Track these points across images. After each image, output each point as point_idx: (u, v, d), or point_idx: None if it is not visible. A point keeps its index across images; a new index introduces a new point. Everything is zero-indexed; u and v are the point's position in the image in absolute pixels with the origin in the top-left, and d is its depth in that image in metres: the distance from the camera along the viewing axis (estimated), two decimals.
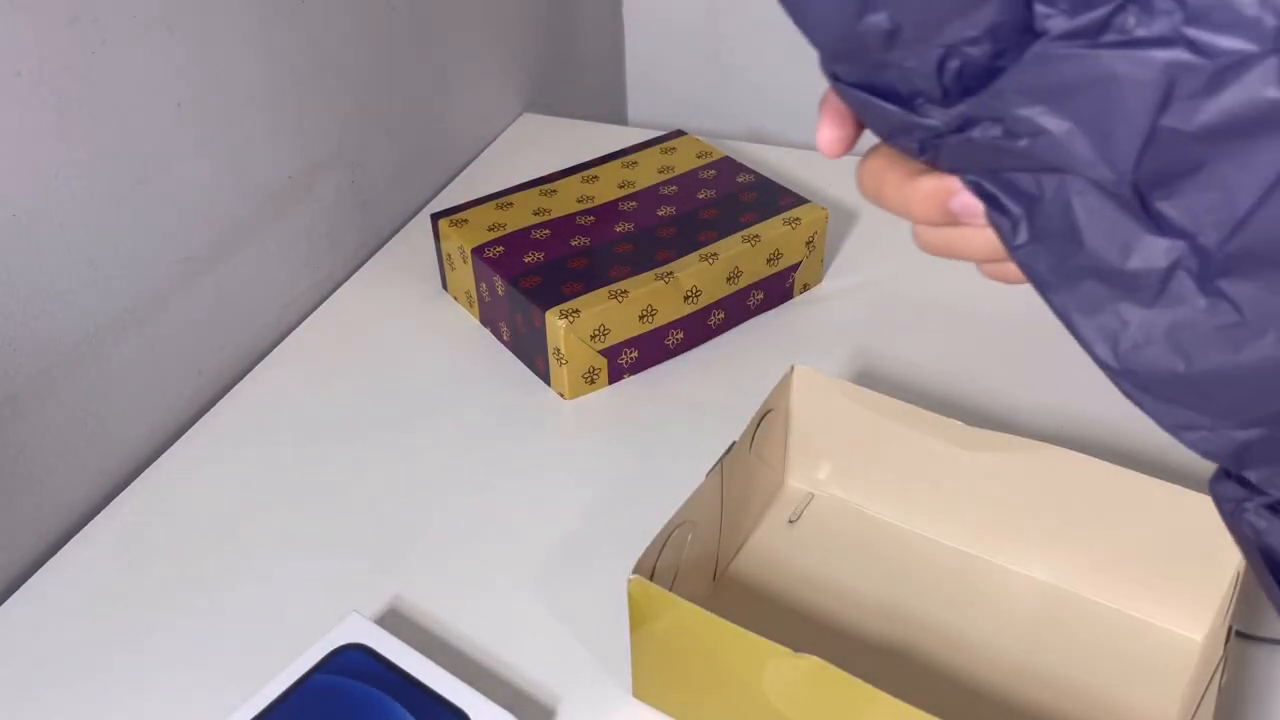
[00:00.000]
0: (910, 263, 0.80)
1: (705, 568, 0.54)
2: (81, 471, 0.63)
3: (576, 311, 0.66)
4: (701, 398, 0.69)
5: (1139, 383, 0.28)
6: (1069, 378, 0.68)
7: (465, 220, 0.75)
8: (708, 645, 0.45)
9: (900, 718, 0.41)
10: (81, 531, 0.61)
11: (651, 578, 0.46)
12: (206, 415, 0.69)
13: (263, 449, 0.66)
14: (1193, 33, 0.22)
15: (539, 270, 0.70)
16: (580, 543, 0.59)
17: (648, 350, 0.70)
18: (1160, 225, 0.25)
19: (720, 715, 0.47)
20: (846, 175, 0.91)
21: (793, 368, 0.58)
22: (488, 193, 0.79)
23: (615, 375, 0.70)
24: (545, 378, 0.70)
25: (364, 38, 0.80)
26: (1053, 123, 0.25)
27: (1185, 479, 0.60)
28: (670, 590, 0.46)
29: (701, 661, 0.46)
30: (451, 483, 0.63)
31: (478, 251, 0.72)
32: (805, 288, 0.77)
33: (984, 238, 0.31)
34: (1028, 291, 0.76)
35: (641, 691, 0.50)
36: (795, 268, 0.75)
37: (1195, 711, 0.44)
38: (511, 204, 0.77)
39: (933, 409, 0.65)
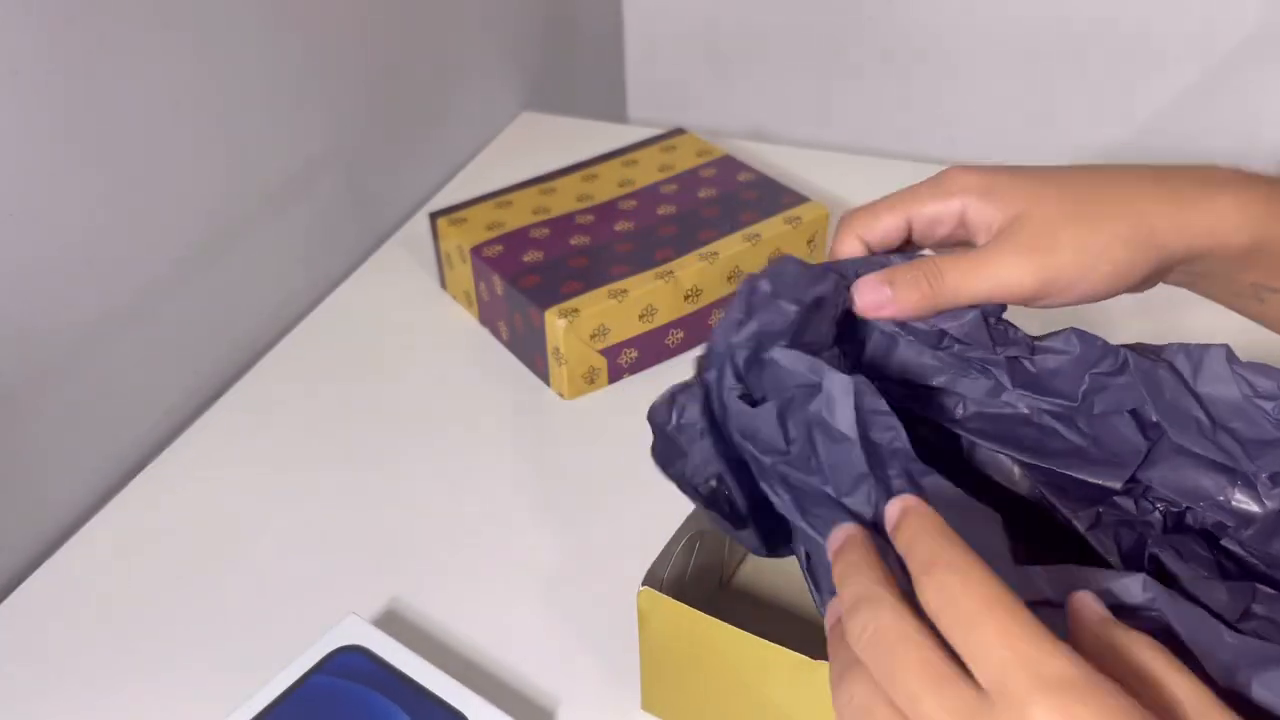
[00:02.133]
0: None
1: (712, 575, 0.54)
2: (78, 471, 0.62)
3: (576, 311, 0.66)
4: None
5: None
6: None
7: (464, 219, 0.75)
8: (719, 654, 0.45)
9: None
10: (79, 532, 0.61)
11: (660, 589, 0.46)
12: (204, 415, 0.68)
13: (260, 449, 0.66)
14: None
15: (538, 269, 0.69)
16: (579, 543, 0.59)
17: (648, 350, 0.70)
18: None
19: None
20: (848, 174, 0.90)
21: None
22: (487, 191, 0.78)
23: (615, 375, 0.69)
24: (544, 377, 0.69)
25: (362, 35, 0.79)
26: None
27: None
28: (679, 600, 0.45)
29: (713, 671, 0.45)
30: (450, 483, 0.63)
31: (476, 250, 0.71)
32: None
33: None
34: None
35: (650, 703, 0.50)
36: None
37: None
38: (510, 203, 0.76)
39: None
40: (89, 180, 0.59)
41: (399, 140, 0.86)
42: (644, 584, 0.45)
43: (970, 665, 0.28)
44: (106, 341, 0.63)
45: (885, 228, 0.45)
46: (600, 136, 0.93)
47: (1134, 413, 0.45)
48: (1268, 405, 0.42)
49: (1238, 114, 1.04)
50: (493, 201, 0.77)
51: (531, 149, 0.96)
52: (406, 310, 0.77)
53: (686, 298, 0.69)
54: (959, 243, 0.46)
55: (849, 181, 0.89)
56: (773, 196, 0.76)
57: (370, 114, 0.82)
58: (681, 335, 0.71)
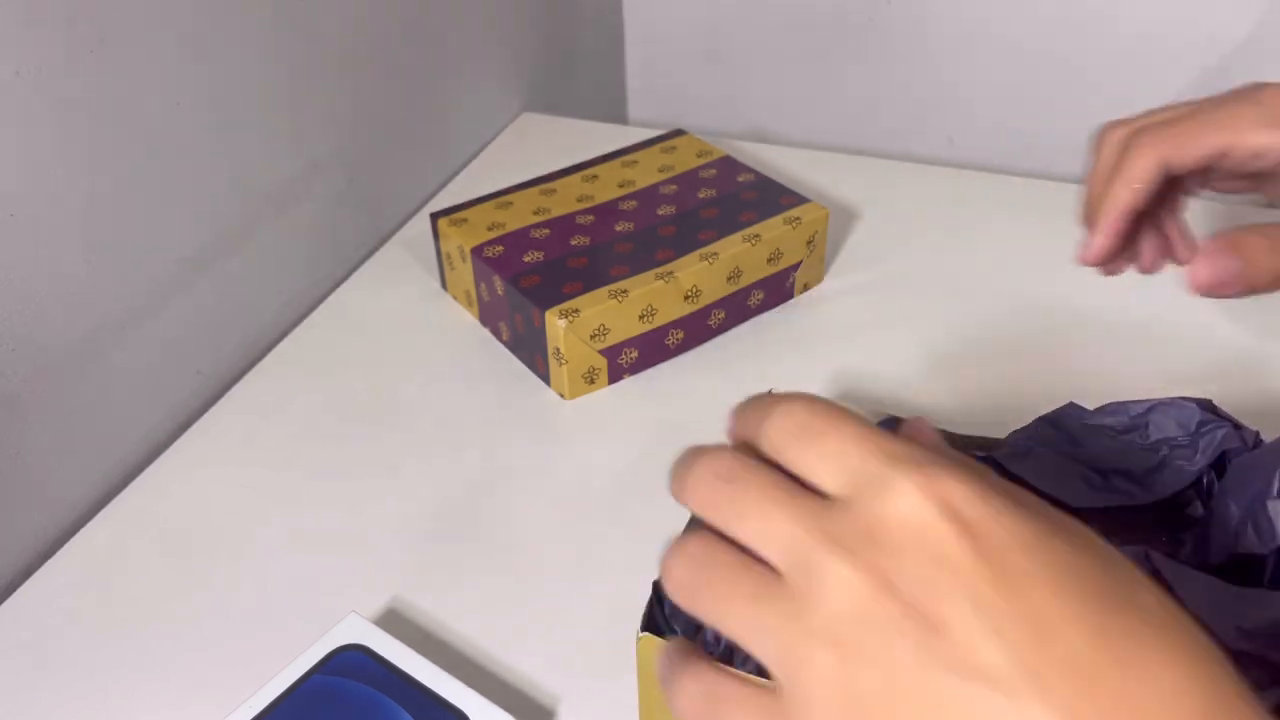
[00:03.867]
0: (911, 262, 0.80)
1: None
2: (80, 472, 0.62)
3: (576, 311, 0.66)
4: (701, 398, 0.68)
5: None
6: (1067, 381, 0.68)
7: (465, 219, 0.75)
8: None
9: None
10: (80, 532, 0.61)
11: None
12: (205, 415, 0.68)
13: (261, 449, 0.66)
14: None
15: (538, 270, 0.69)
16: (579, 543, 0.59)
17: (648, 350, 0.70)
18: None
19: None
20: (847, 174, 0.90)
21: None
22: (487, 192, 0.79)
23: (615, 375, 0.70)
24: (545, 378, 0.69)
25: (363, 36, 0.79)
26: None
27: None
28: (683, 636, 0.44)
29: None
30: (450, 483, 0.63)
31: (477, 251, 0.72)
32: (806, 287, 0.77)
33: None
34: (1027, 292, 0.75)
35: None
36: (796, 267, 0.75)
37: None
38: (511, 203, 0.76)
39: (933, 410, 0.65)
40: (90, 181, 0.59)
41: (399, 140, 0.86)
42: (641, 630, 0.42)
43: (817, 478, 0.25)
44: (107, 341, 0.63)
45: (1197, 157, 0.38)
46: (600, 137, 0.93)
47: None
48: (1134, 436, 0.46)
49: None
50: (493, 202, 0.77)
51: (531, 149, 0.96)
52: (407, 310, 0.77)
53: (686, 298, 0.70)
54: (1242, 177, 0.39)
55: (849, 182, 0.89)
56: (772, 197, 0.76)
57: (370, 114, 0.82)
58: (681, 335, 0.71)
